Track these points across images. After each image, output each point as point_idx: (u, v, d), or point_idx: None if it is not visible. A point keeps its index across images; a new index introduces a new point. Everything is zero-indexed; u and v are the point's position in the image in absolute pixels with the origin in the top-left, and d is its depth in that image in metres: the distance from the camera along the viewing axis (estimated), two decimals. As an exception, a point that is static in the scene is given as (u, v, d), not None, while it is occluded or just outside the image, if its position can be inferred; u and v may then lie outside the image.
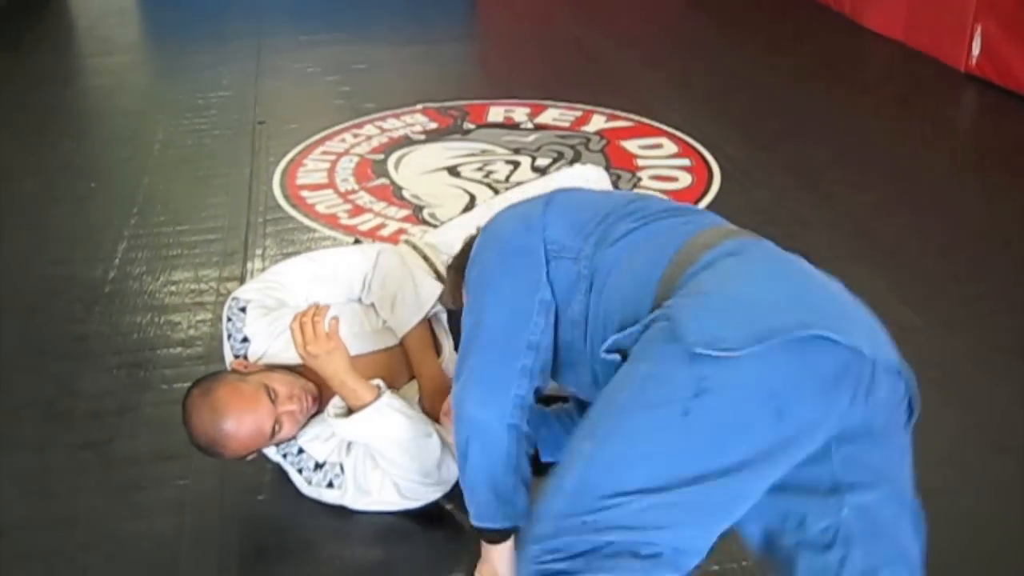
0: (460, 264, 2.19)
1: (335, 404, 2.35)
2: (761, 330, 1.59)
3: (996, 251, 3.64)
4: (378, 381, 2.36)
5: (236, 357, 2.54)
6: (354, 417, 2.30)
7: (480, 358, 2.00)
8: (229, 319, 2.58)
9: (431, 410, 2.60)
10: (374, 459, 2.36)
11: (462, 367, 2.03)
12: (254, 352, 2.53)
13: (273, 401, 2.34)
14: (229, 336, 2.57)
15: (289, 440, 2.43)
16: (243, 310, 2.57)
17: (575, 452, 1.70)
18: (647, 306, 1.78)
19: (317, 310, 2.30)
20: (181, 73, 6.18)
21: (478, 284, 2.07)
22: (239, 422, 2.30)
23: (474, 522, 2.06)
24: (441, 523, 2.41)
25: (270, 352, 2.52)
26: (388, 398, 2.33)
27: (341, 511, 2.41)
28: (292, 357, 2.43)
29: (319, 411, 2.46)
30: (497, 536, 2.08)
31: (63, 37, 7.39)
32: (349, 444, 2.40)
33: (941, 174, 4.38)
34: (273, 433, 2.35)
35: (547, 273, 1.99)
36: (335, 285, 2.67)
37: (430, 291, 2.72)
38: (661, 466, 1.60)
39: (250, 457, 2.41)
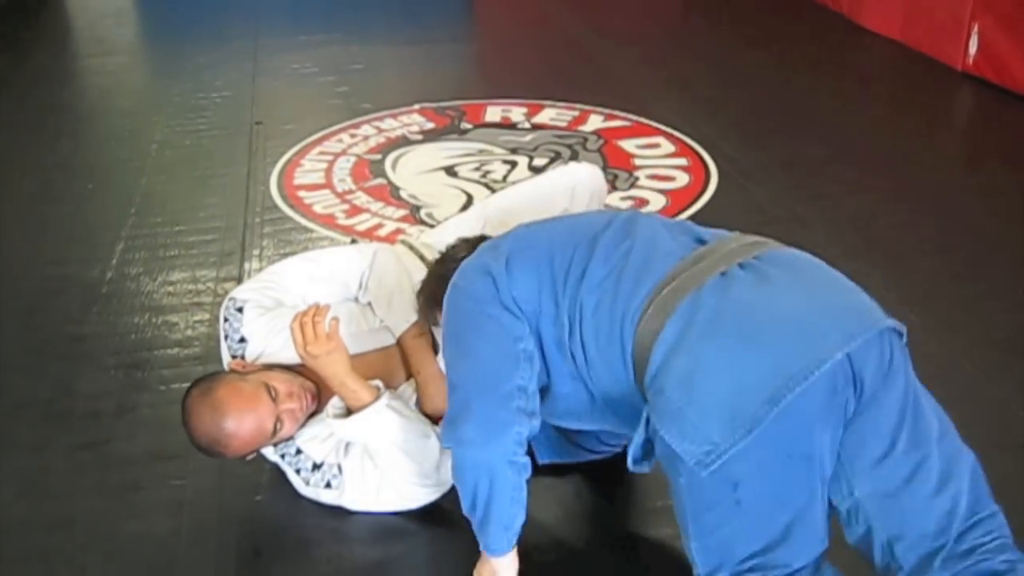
0: (429, 291, 2.27)
1: (334, 404, 2.35)
2: (743, 422, 1.72)
3: (994, 249, 3.64)
4: (378, 382, 2.36)
5: (233, 357, 2.54)
6: (353, 418, 2.30)
7: (478, 401, 2.03)
8: (226, 319, 2.58)
9: (429, 409, 2.60)
10: (372, 460, 2.36)
11: (458, 412, 2.04)
12: (251, 352, 2.53)
13: (274, 399, 2.34)
14: (226, 336, 2.57)
15: (288, 440, 2.43)
16: (240, 310, 2.57)
17: (688, 549, 1.88)
18: (637, 395, 1.92)
19: (317, 310, 2.30)
20: (178, 74, 6.17)
21: (460, 330, 2.10)
22: (241, 421, 2.30)
23: (486, 553, 2.10)
24: (439, 522, 2.40)
25: (267, 352, 2.52)
26: (387, 399, 2.33)
27: (339, 511, 2.41)
28: (290, 356, 2.43)
29: (318, 410, 2.46)
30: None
31: (60, 37, 7.39)
32: (347, 445, 2.40)
33: (938, 173, 4.39)
34: (275, 432, 2.35)
35: (529, 327, 2.02)
36: (331, 284, 2.67)
37: None
38: (757, 537, 1.79)
39: (250, 457, 2.41)
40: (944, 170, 4.44)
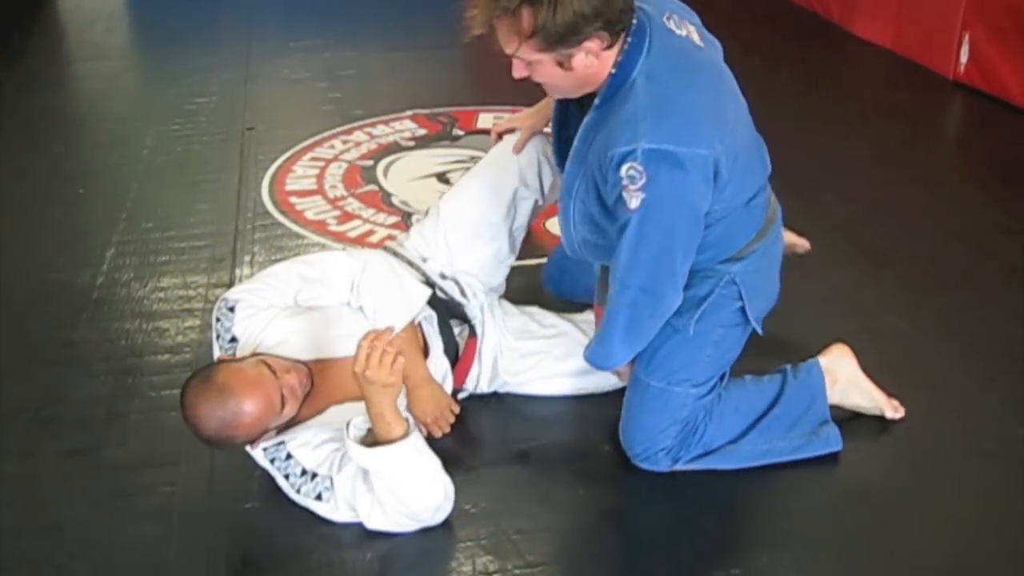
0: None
1: (356, 425, 2.31)
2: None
3: (984, 258, 3.65)
4: (408, 416, 2.34)
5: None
6: (378, 449, 2.26)
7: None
8: (218, 319, 2.59)
9: (418, 413, 2.61)
10: (368, 484, 2.33)
11: (658, 261, 2.36)
12: (242, 350, 2.54)
13: (274, 374, 2.36)
14: (218, 336, 2.58)
15: (278, 443, 2.42)
16: (232, 310, 2.58)
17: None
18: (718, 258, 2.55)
19: (392, 342, 2.27)
20: (170, 79, 6.16)
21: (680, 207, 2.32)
22: (251, 398, 2.31)
23: (610, 366, 2.62)
24: (434, 531, 2.39)
25: (259, 350, 2.52)
26: (415, 439, 2.31)
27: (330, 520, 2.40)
28: (283, 354, 2.46)
29: (310, 390, 2.48)
30: None
31: (52, 42, 7.37)
32: (341, 460, 2.38)
33: (929, 181, 4.40)
34: (281, 408, 2.36)
35: None
36: (323, 287, 2.67)
37: (417, 294, 2.73)
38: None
39: (249, 447, 2.43)
40: (935, 179, 4.45)
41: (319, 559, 2.35)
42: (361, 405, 2.33)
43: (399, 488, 2.29)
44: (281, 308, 2.61)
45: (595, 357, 2.58)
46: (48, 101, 5.85)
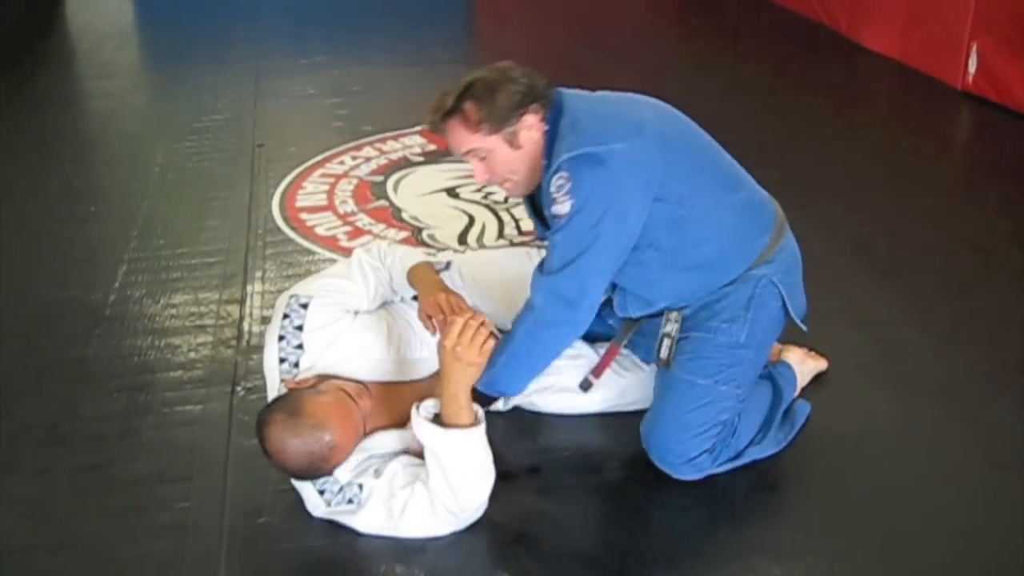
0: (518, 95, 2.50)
1: (426, 407, 2.35)
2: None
3: (993, 268, 3.65)
4: (477, 407, 2.37)
5: (282, 361, 2.53)
6: (449, 431, 2.29)
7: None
8: (287, 315, 2.56)
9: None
10: (405, 479, 2.36)
11: (582, 259, 2.44)
12: (305, 362, 2.53)
13: (354, 400, 2.39)
14: (283, 338, 2.55)
15: None
16: (304, 306, 2.57)
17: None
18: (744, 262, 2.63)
19: (485, 324, 2.33)
20: (180, 96, 6.20)
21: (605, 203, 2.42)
22: (341, 428, 2.33)
23: (498, 392, 2.61)
24: (446, 544, 2.39)
25: (318, 367, 2.53)
26: (482, 428, 2.35)
27: (345, 533, 2.40)
28: (345, 372, 2.50)
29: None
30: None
31: (63, 60, 7.42)
32: (375, 469, 2.40)
33: (938, 191, 4.40)
34: (363, 432, 2.41)
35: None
36: (385, 286, 2.74)
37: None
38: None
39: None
40: (944, 188, 4.45)
41: (332, 573, 2.36)
42: (406, 434, 2.40)
43: (457, 475, 2.31)
44: (353, 318, 2.62)
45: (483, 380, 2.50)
46: (59, 119, 5.89)
